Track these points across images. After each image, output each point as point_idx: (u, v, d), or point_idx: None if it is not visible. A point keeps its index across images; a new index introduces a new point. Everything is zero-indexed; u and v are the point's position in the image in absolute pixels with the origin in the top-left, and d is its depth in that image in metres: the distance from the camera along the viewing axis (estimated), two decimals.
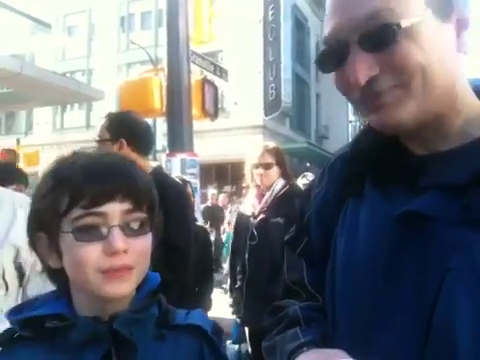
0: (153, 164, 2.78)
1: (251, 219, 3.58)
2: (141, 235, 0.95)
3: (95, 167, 0.95)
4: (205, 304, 3.83)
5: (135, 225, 0.95)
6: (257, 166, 3.55)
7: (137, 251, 0.93)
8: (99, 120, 2.86)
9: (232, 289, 3.82)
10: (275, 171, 3.56)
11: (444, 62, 0.79)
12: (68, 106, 25.68)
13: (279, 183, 3.55)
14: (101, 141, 2.62)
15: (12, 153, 16.26)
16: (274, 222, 3.41)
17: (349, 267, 0.90)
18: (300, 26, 25.39)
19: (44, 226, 0.95)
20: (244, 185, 6.76)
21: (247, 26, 20.59)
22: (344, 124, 33.46)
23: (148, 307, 1.00)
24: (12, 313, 0.98)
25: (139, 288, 1.01)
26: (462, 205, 0.76)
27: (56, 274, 0.99)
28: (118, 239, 0.90)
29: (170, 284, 2.45)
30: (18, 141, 17.15)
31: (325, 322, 0.96)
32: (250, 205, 3.69)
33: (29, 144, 19.25)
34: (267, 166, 3.54)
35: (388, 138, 0.89)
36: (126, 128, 2.66)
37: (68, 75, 22.91)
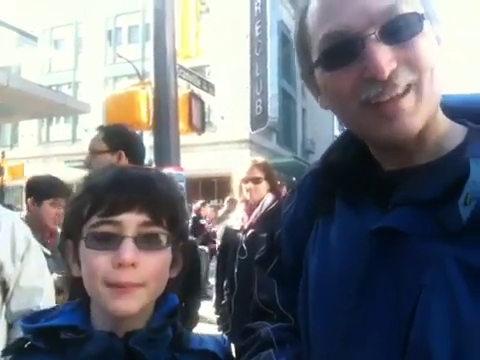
0: None
1: (239, 234, 3.56)
2: (156, 250, 0.92)
3: (120, 177, 0.95)
4: (191, 318, 3.80)
5: (151, 239, 0.92)
6: (246, 180, 3.54)
7: (149, 267, 0.90)
8: (85, 133, 2.86)
9: (219, 305, 3.79)
10: (264, 186, 3.55)
11: (439, 70, 0.80)
12: (54, 119, 25.54)
13: (268, 198, 3.53)
14: (99, 153, 2.63)
15: None
16: (264, 237, 3.35)
17: (322, 284, 0.89)
18: (286, 42, 25.60)
19: (69, 232, 0.96)
20: (227, 199, 6.73)
21: (234, 41, 20.74)
22: (330, 139, 33.63)
23: (163, 328, 0.97)
24: (27, 321, 0.96)
25: (157, 307, 1.00)
26: (434, 220, 0.76)
27: (77, 283, 0.97)
28: (127, 250, 0.87)
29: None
30: (3, 154, 17.02)
31: (298, 342, 0.96)
32: (238, 219, 3.67)
33: (14, 157, 19.10)
34: (256, 180, 3.53)
35: (357, 153, 0.90)
36: (123, 139, 2.70)
37: (54, 88, 22.81)
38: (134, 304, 0.90)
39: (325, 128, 31.93)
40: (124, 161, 2.63)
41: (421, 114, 0.78)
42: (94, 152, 2.65)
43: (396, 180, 0.84)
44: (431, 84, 0.78)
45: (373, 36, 0.76)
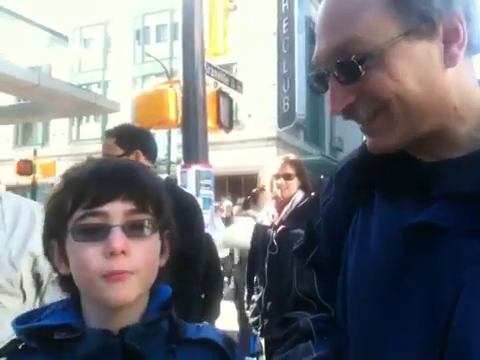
0: (162, 176, 2.78)
1: (270, 230, 3.60)
2: (144, 237, 0.92)
3: (99, 168, 0.94)
4: (212, 312, 3.80)
5: (139, 227, 0.92)
6: (278, 176, 3.56)
7: (140, 255, 0.90)
8: None
9: (250, 300, 3.82)
10: (295, 182, 3.58)
11: (426, 81, 0.79)
12: (84, 118, 25.89)
13: (299, 194, 3.56)
14: (116, 158, 2.52)
15: (28, 164, 16.45)
16: (295, 233, 3.39)
17: (359, 278, 0.89)
18: (314, 38, 25.26)
19: (53, 231, 0.95)
20: (248, 197, 6.71)
21: (261, 38, 20.67)
22: (358, 136, 33.22)
23: (159, 321, 0.96)
24: (19, 322, 0.94)
25: (150, 301, 0.99)
26: (474, 215, 0.75)
27: (67, 282, 0.97)
28: (117, 239, 0.87)
29: (177, 294, 2.45)
30: (35, 152, 17.32)
31: (337, 334, 0.94)
32: (268, 216, 3.71)
33: (46, 155, 19.41)
34: (288, 177, 3.56)
35: None
36: (139, 139, 2.67)
37: (84, 87, 23.09)
38: (129, 292, 0.90)
39: (354, 125, 30.95)
40: (142, 160, 2.58)
41: (396, 131, 0.81)
42: (114, 158, 2.57)
43: (436, 172, 0.83)
44: (404, 108, 0.79)
45: (332, 75, 0.83)
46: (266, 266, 3.56)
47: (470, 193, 0.76)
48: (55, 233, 0.94)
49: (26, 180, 17.14)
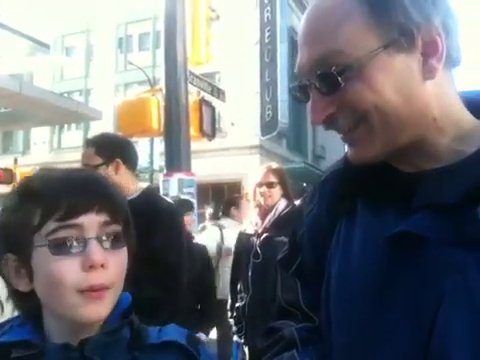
0: (143, 184, 2.77)
1: (253, 238, 3.64)
2: (118, 249, 0.91)
3: (71, 179, 0.91)
4: (209, 323, 3.79)
5: (112, 238, 0.90)
6: (261, 185, 3.60)
7: (115, 267, 0.89)
8: None
9: (233, 308, 3.83)
10: (278, 191, 3.62)
11: (405, 93, 0.80)
12: (66, 126, 25.66)
13: (282, 203, 3.61)
14: (96, 167, 2.52)
15: (9, 172, 16.24)
16: (278, 240, 3.44)
17: (343, 288, 0.89)
18: (296, 47, 25.35)
19: (13, 245, 0.89)
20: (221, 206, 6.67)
21: (244, 48, 20.75)
22: (341, 144, 33.15)
23: (119, 329, 0.93)
24: None
25: (112, 309, 0.94)
26: (454, 225, 0.75)
27: (24, 299, 0.92)
28: (96, 251, 0.85)
29: (159, 303, 2.42)
30: (15, 160, 17.12)
31: (321, 344, 0.95)
32: (252, 224, 3.75)
33: (26, 164, 19.21)
34: (270, 185, 3.59)
35: None
36: (119, 148, 2.64)
37: (66, 95, 22.93)
38: (105, 310, 0.89)
39: (336, 134, 31.66)
40: (123, 170, 2.57)
41: (376, 142, 0.83)
42: (90, 168, 2.46)
43: (416, 182, 0.84)
44: (383, 119, 0.81)
45: (313, 86, 0.85)
46: (250, 274, 3.58)
47: (451, 204, 0.77)
48: (14, 247, 0.89)
49: (6, 189, 16.94)
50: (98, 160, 2.56)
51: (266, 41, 21.54)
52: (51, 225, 0.86)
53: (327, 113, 0.84)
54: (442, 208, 0.77)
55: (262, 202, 3.59)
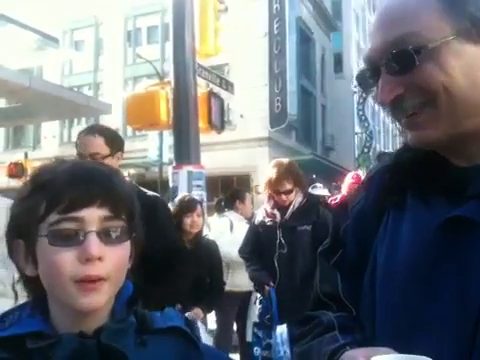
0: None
1: (274, 229, 3.84)
2: (119, 244, 0.92)
3: (76, 172, 0.93)
4: (216, 291, 3.98)
5: (113, 233, 0.92)
6: (278, 193, 3.79)
7: (113, 261, 0.90)
8: None
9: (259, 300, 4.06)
10: (295, 191, 3.83)
11: (473, 80, 0.84)
12: (75, 120, 25.79)
13: (299, 196, 3.84)
14: (104, 157, 2.61)
15: (20, 167, 16.38)
16: (301, 229, 3.73)
17: (390, 274, 0.91)
18: (305, 39, 25.47)
19: (22, 232, 0.93)
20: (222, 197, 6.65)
21: (253, 39, 20.72)
22: (350, 136, 33.42)
23: (128, 316, 0.97)
24: None
25: (117, 298, 0.98)
26: None
27: (32, 284, 0.96)
28: (93, 245, 0.87)
29: (149, 296, 2.46)
30: (26, 155, 17.27)
31: (359, 331, 0.96)
32: (263, 215, 3.96)
33: (37, 158, 19.34)
34: (289, 192, 3.80)
35: (429, 151, 0.92)
36: (120, 140, 2.85)
37: (75, 89, 23.03)
38: (100, 299, 0.90)
39: (345, 125, 31.71)
40: (119, 162, 2.77)
41: (441, 124, 0.85)
42: (99, 157, 2.58)
43: (468, 175, 0.86)
44: (450, 101, 0.84)
45: (382, 67, 0.88)
46: (276, 264, 3.78)
47: None
48: (22, 233, 0.93)
49: (17, 183, 17.09)
50: (107, 150, 2.66)
51: (275, 32, 21.49)
52: (54, 217, 0.88)
53: (396, 93, 0.86)
54: None
55: (280, 203, 3.83)
